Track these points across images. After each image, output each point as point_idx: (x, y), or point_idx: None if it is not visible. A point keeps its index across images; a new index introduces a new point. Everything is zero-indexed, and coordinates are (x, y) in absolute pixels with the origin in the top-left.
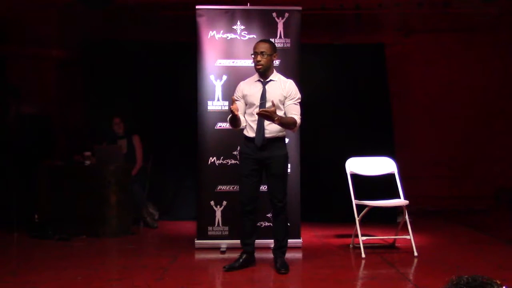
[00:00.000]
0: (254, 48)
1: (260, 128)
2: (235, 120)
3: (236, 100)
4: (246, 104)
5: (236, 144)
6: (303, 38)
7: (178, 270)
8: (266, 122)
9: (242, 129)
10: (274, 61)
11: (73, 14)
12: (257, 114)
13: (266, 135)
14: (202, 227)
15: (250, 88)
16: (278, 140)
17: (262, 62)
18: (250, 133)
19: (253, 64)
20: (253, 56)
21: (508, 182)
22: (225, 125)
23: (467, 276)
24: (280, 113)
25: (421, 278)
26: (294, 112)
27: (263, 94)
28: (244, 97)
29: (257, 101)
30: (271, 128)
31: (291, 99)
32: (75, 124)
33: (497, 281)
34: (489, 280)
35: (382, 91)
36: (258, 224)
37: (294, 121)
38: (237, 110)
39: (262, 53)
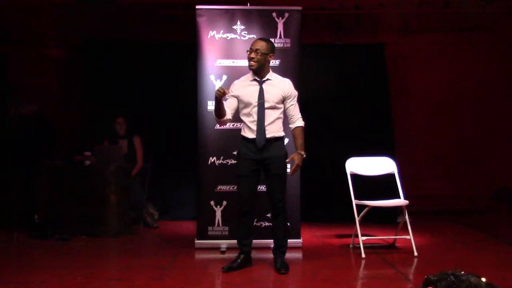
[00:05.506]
0: (251, 45)
1: (261, 128)
2: (219, 110)
3: (228, 94)
4: (239, 104)
5: (236, 144)
6: (303, 38)
7: (178, 270)
8: (267, 122)
9: (239, 129)
10: (270, 62)
11: (73, 14)
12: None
13: (267, 136)
14: (202, 227)
15: (245, 88)
16: (278, 140)
17: (254, 60)
18: (249, 134)
19: None
20: (248, 52)
21: (507, 182)
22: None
23: (434, 275)
24: (277, 112)
25: (421, 278)
26: (296, 114)
27: (260, 93)
28: (237, 96)
29: (254, 101)
30: (272, 128)
31: (290, 99)
32: (75, 124)
33: (483, 278)
34: (462, 275)
35: (382, 91)
36: (258, 224)
37: (302, 131)
38: (226, 94)
39: (256, 50)
